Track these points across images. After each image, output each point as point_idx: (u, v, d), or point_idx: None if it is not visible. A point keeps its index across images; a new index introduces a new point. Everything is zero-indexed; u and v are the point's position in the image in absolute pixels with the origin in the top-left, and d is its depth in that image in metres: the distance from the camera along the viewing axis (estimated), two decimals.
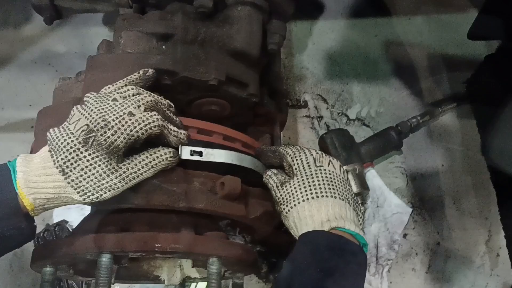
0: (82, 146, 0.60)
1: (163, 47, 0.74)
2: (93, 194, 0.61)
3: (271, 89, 0.88)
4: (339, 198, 0.68)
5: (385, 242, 1.20)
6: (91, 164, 0.60)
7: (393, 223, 1.22)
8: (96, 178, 0.60)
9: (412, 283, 1.19)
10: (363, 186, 1.18)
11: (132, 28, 0.74)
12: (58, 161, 0.60)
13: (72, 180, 0.60)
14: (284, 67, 1.41)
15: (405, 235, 1.22)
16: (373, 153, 1.24)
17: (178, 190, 0.65)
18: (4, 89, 1.45)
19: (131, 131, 0.61)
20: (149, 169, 0.63)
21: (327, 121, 1.36)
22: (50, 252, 0.67)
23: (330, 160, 0.72)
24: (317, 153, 0.72)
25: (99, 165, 0.60)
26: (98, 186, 0.61)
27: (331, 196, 0.67)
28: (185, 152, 0.69)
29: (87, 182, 0.60)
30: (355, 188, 1.16)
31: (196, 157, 0.69)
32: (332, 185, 0.68)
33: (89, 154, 0.60)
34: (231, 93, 0.75)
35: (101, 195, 0.61)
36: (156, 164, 0.63)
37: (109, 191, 0.61)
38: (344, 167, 1.14)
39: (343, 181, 0.71)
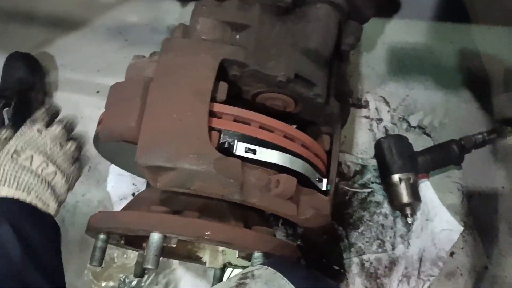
0: None
1: (237, 37, 0.75)
2: None
3: (337, 87, 0.86)
4: None
5: (429, 257, 1.17)
6: None
7: (441, 239, 1.18)
8: None
9: None
10: (415, 196, 1.15)
11: (210, 15, 0.74)
12: None
13: None
14: (349, 63, 1.38)
15: (452, 254, 1.18)
16: (431, 164, 1.20)
17: (234, 182, 0.65)
18: (76, 52, 1.51)
19: None
20: None
21: (386, 125, 1.32)
22: (105, 221, 0.70)
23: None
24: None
25: None
26: None
27: None
28: (240, 148, 0.69)
29: None
30: (406, 198, 1.14)
31: (249, 155, 0.70)
32: None
33: None
34: (297, 91, 0.75)
35: None
36: None
37: None
38: (398, 175, 1.15)
39: None
